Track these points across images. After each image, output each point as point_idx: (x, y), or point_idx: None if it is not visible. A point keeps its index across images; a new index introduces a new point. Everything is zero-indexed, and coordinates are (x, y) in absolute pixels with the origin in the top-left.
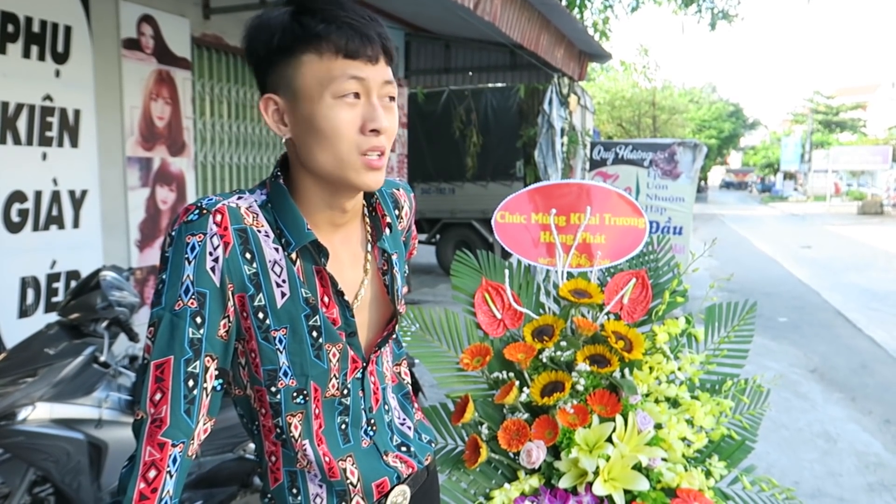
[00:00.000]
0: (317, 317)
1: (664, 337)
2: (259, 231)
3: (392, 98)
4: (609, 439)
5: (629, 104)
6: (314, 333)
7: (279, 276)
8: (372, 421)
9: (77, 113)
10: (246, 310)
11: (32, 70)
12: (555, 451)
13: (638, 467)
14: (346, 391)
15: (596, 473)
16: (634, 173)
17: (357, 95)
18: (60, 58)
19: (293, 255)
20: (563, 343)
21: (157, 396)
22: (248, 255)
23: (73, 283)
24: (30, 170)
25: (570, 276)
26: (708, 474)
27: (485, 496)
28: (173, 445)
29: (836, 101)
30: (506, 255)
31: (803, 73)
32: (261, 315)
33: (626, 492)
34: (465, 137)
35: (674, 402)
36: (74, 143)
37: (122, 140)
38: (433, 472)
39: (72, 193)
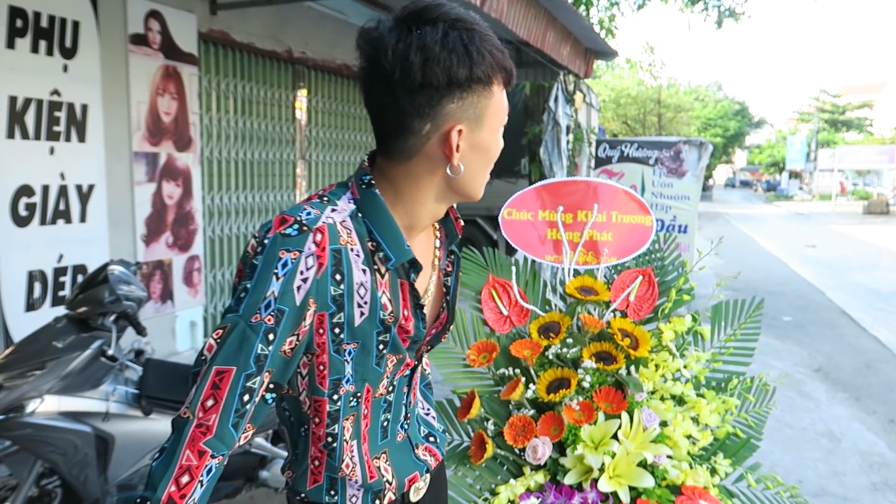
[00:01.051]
0: (387, 334)
1: (670, 335)
2: (351, 250)
3: None
4: (615, 436)
5: (634, 102)
6: (381, 346)
7: (362, 298)
8: (408, 415)
9: (84, 108)
10: (323, 327)
11: (40, 65)
12: (560, 448)
13: (643, 464)
14: (391, 388)
15: (601, 470)
16: (640, 171)
17: None
18: (68, 53)
19: (383, 269)
20: (570, 340)
21: (210, 403)
22: (337, 277)
23: (80, 278)
24: (37, 164)
25: (576, 273)
26: (713, 472)
27: (490, 492)
28: (212, 456)
29: (842, 100)
30: (510, 251)
31: (809, 71)
32: (336, 331)
33: (632, 489)
34: None
35: (679, 400)
36: (82, 138)
37: (129, 135)
38: (442, 461)
39: (79, 188)
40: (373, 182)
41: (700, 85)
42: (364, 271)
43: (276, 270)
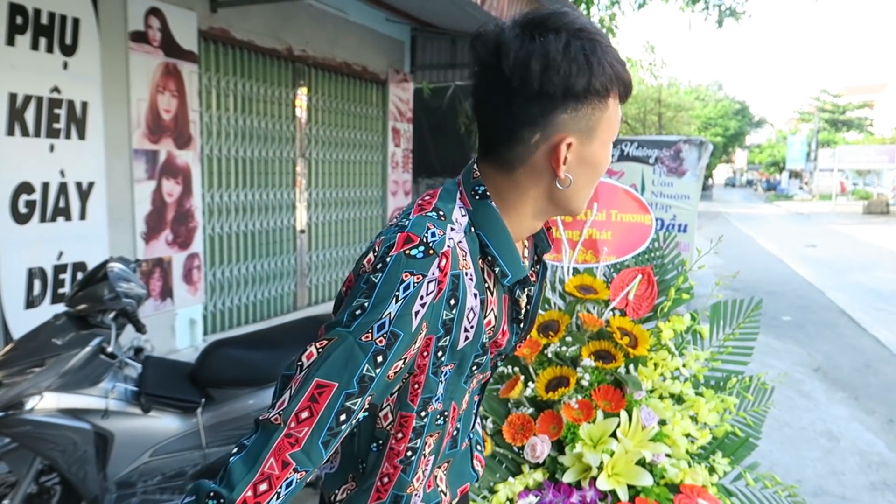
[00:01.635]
0: (484, 357)
1: (669, 333)
2: (466, 274)
3: None
4: (613, 435)
5: (635, 101)
6: (474, 368)
7: (470, 322)
8: (474, 424)
9: (84, 105)
10: (429, 350)
11: (40, 62)
12: (559, 446)
13: (642, 463)
14: (467, 399)
15: (600, 468)
16: (640, 170)
17: None
18: (68, 50)
19: (492, 284)
20: (569, 338)
21: (305, 415)
22: (452, 302)
23: (80, 275)
24: (37, 161)
25: (576, 271)
26: (711, 471)
27: (489, 490)
28: (296, 470)
29: (842, 100)
30: None
31: (810, 71)
32: (440, 353)
33: (630, 487)
34: (471, 133)
35: (678, 399)
36: (82, 136)
37: (129, 132)
38: None
39: (79, 185)
40: (487, 193)
41: (700, 84)
42: (475, 295)
43: (397, 293)
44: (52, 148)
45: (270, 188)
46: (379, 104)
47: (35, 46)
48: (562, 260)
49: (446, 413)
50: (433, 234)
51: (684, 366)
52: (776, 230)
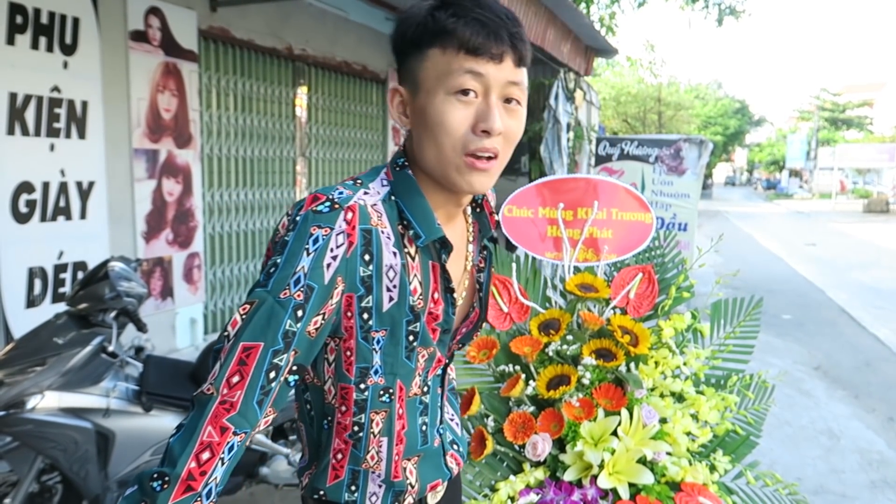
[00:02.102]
0: (417, 323)
1: (670, 332)
2: (382, 232)
3: (518, 101)
4: (614, 433)
5: (635, 100)
6: (410, 337)
7: (391, 281)
8: (442, 418)
9: (84, 104)
10: (352, 309)
11: (40, 61)
12: (560, 444)
13: (643, 461)
14: (426, 388)
15: (601, 467)
16: (640, 169)
17: (475, 94)
18: (68, 49)
19: (413, 250)
20: (570, 337)
21: (235, 379)
22: (366, 257)
23: (80, 274)
24: (38, 161)
25: (576, 270)
26: (712, 469)
27: (490, 488)
28: (235, 433)
29: (842, 99)
30: (510, 248)
31: (810, 69)
32: (365, 315)
33: (631, 485)
34: None
35: (679, 397)
36: (82, 135)
37: (129, 132)
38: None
39: (79, 184)
40: (406, 164)
41: (700, 83)
42: (395, 254)
43: (307, 246)
44: (52, 147)
45: (271, 187)
46: (379, 103)
47: (35, 46)
48: (563, 259)
49: (391, 390)
50: (340, 193)
51: (685, 364)
52: (776, 229)
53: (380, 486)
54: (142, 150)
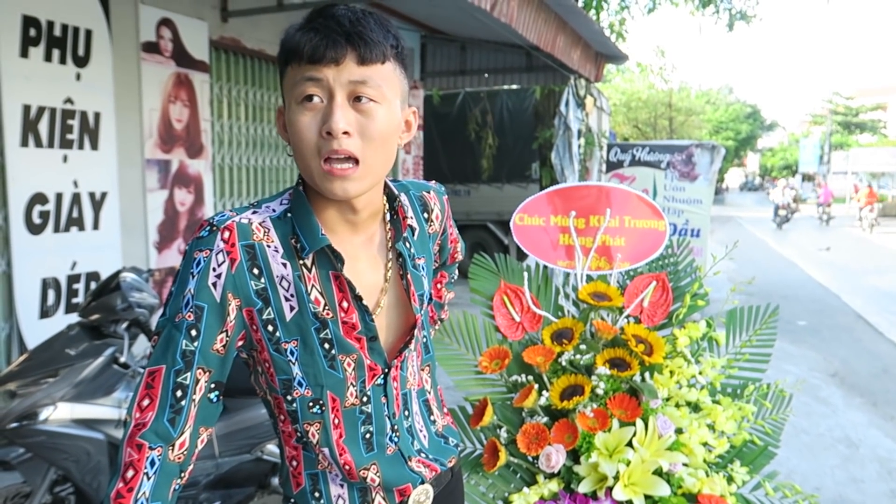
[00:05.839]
0: (327, 330)
1: (685, 340)
2: (268, 246)
3: (372, 99)
4: (629, 444)
5: (645, 106)
6: (326, 345)
7: (287, 291)
8: (395, 427)
9: (97, 115)
10: (255, 323)
11: (54, 73)
12: (574, 456)
13: (658, 472)
14: (366, 399)
15: (616, 478)
16: (651, 175)
17: (320, 99)
18: (81, 61)
19: (309, 262)
20: (583, 346)
21: (145, 402)
22: (255, 271)
23: (93, 285)
24: (51, 172)
25: (589, 278)
26: (730, 480)
27: (504, 500)
28: (150, 448)
29: (855, 102)
30: (521, 256)
31: (822, 73)
32: (270, 328)
33: (647, 497)
34: (481, 139)
35: (695, 407)
36: (94, 146)
37: (141, 142)
38: (458, 474)
39: (92, 195)
40: (301, 180)
41: (711, 88)
42: (284, 265)
43: (191, 270)
44: (65, 158)
45: None
46: None
47: (48, 58)
48: (575, 267)
49: (321, 402)
50: (220, 215)
51: (700, 373)
52: (789, 234)
53: (342, 486)
54: (154, 160)
